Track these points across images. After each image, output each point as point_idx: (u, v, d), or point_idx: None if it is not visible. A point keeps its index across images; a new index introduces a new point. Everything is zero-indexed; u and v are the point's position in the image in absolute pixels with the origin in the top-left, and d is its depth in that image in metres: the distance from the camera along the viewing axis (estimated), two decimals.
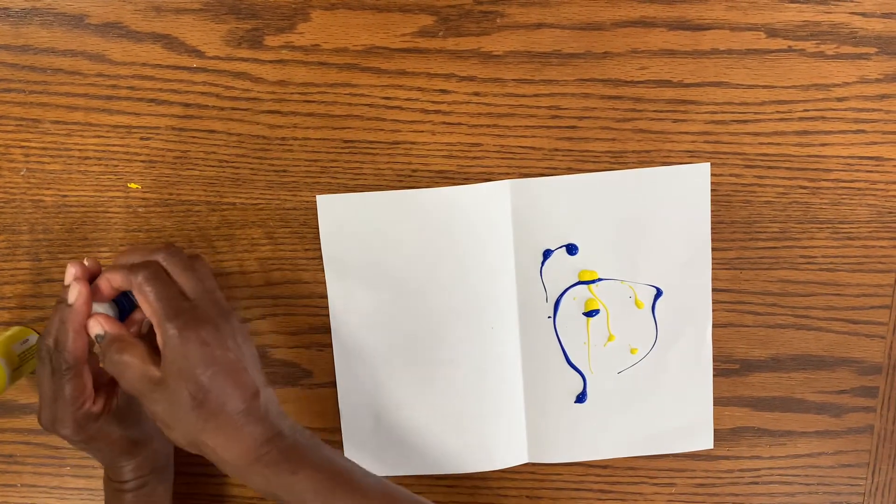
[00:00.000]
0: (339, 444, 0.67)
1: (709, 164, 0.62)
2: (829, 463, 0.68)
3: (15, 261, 0.64)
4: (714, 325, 0.65)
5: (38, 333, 0.65)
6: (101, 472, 0.67)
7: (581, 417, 0.65)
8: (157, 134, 0.62)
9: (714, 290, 0.65)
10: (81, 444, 0.57)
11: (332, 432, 0.67)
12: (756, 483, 0.68)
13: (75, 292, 0.53)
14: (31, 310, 0.65)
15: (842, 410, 0.67)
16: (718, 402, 0.67)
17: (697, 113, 0.62)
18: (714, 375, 0.66)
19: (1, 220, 0.64)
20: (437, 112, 0.62)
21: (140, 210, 0.63)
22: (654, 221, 0.62)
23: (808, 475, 0.68)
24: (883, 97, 0.61)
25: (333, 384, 0.66)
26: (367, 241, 0.63)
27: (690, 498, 0.68)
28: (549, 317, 0.63)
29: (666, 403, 0.65)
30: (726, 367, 0.66)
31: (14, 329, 0.64)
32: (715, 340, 0.65)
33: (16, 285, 0.65)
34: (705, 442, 0.65)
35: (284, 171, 0.63)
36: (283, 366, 0.66)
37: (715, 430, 0.67)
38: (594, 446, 0.66)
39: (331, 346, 0.65)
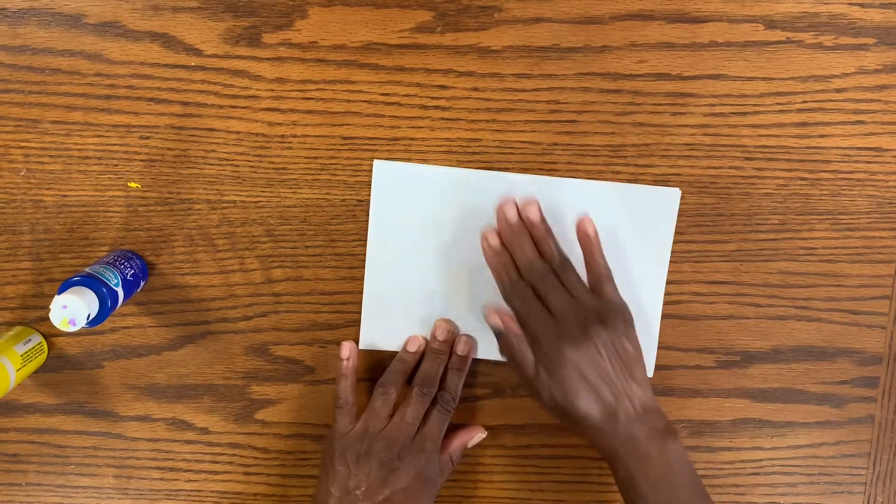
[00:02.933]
0: None
1: (679, 190, 0.62)
2: (831, 453, 0.68)
3: (16, 261, 0.64)
4: (715, 318, 0.65)
5: (41, 333, 0.65)
6: (105, 469, 0.68)
7: None
8: (157, 133, 0.62)
9: (714, 282, 0.65)
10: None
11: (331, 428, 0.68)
12: (757, 474, 0.68)
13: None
14: (32, 310, 0.65)
15: (843, 401, 0.67)
16: (719, 393, 0.67)
17: (696, 106, 0.62)
18: (715, 367, 0.66)
19: (2, 221, 0.64)
20: (435, 108, 0.62)
21: (140, 209, 0.64)
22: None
23: (809, 466, 0.68)
24: (882, 88, 0.61)
25: (335, 380, 0.66)
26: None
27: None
28: None
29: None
30: (727, 359, 0.66)
31: (17, 329, 0.64)
32: (715, 332, 0.66)
33: (18, 285, 0.65)
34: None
35: (284, 168, 0.63)
36: (285, 362, 0.66)
37: (716, 421, 0.67)
38: None
39: (333, 342, 0.66)
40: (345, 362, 0.64)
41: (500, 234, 0.62)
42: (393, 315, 0.65)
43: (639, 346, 0.59)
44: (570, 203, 0.63)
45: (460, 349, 0.64)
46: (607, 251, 0.62)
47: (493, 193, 0.63)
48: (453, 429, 0.65)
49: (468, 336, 0.65)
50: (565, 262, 0.60)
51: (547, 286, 0.59)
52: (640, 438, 0.55)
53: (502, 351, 0.61)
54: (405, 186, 0.63)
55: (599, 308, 0.58)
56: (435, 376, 0.63)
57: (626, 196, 0.63)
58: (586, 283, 0.60)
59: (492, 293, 0.62)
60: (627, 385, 0.57)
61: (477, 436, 0.66)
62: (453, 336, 0.65)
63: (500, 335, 0.61)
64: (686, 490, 0.55)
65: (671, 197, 0.63)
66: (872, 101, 0.61)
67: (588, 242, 0.62)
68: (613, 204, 0.63)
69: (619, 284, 0.61)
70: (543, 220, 0.62)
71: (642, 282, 0.64)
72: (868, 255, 0.64)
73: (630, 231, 0.63)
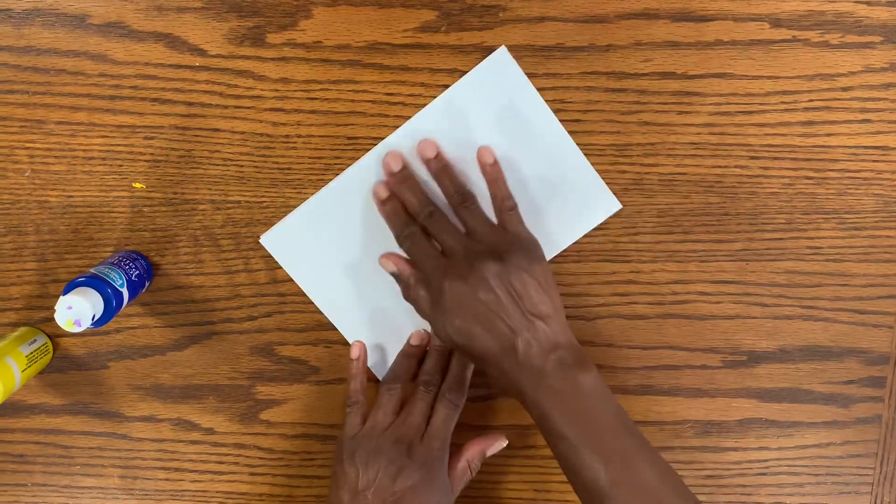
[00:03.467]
0: None
1: (503, 46, 0.60)
2: (838, 453, 0.68)
3: (21, 262, 0.64)
4: (721, 317, 0.65)
5: (46, 334, 0.65)
6: (111, 470, 0.68)
7: None
8: (161, 133, 0.62)
9: (720, 281, 0.64)
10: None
11: (338, 428, 0.67)
12: (764, 474, 0.68)
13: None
14: (38, 310, 0.65)
15: (849, 401, 0.67)
16: (726, 393, 0.66)
17: (702, 105, 0.61)
18: (721, 367, 0.66)
19: (7, 222, 0.64)
20: None
21: (145, 209, 0.64)
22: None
23: (816, 466, 0.68)
24: (888, 86, 0.61)
25: (341, 381, 0.67)
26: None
27: (698, 490, 0.68)
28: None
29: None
30: (733, 358, 0.66)
31: (22, 330, 0.64)
32: (722, 332, 0.65)
33: (23, 286, 0.65)
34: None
35: (289, 168, 0.63)
36: (290, 363, 0.66)
37: (722, 421, 0.67)
38: None
39: (338, 342, 0.66)
40: (355, 362, 0.64)
41: (386, 185, 0.62)
42: (377, 328, 0.65)
43: (546, 279, 0.56)
44: (433, 134, 0.62)
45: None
46: (492, 145, 0.61)
47: (372, 177, 0.63)
48: (473, 434, 0.65)
49: None
50: (465, 195, 0.60)
51: (436, 226, 0.59)
52: (547, 374, 0.53)
53: (403, 294, 0.60)
54: (301, 235, 0.63)
55: (497, 242, 0.57)
56: (437, 371, 0.63)
57: (469, 90, 0.61)
58: (490, 217, 0.60)
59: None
60: (526, 319, 0.55)
61: (497, 444, 0.64)
62: None
63: (398, 279, 0.61)
64: (607, 424, 0.53)
65: (501, 57, 0.60)
66: (879, 99, 0.61)
67: (488, 172, 0.61)
68: (466, 103, 0.61)
69: (526, 158, 0.61)
70: (439, 155, 0.61)
71: (543, 140, 0.62)
72: (875, 255, 0.64)
73: (497, 112, 0.62)
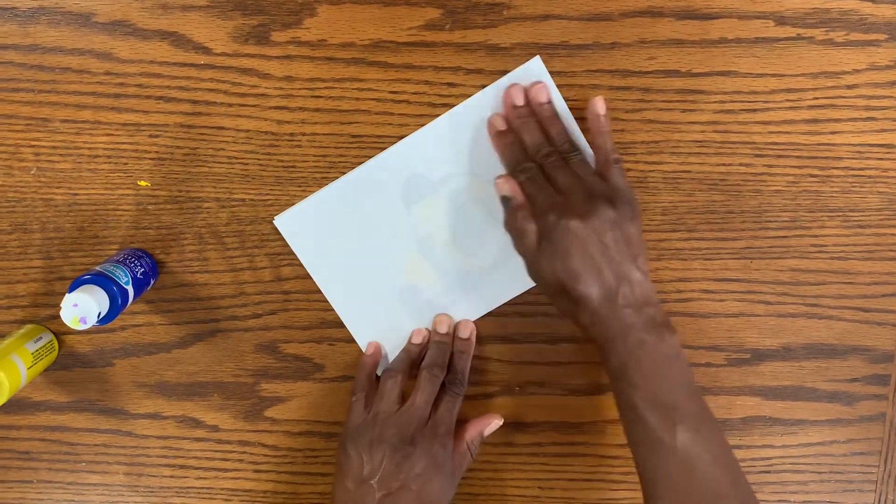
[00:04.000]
0: None
1: (538, 56, 0.60)
2: (841, 451, 0.68)
3: (27, 259, 0.65)
4: (725, 315, 0.65)
5: (51, 331, 0.65)
6: (116, 467, 0.68)
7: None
8: (166, 131, 0.62)
9: (724, 279, 0.64)
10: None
11: (342, 425, 0.68)
12: (768, 472, 0.68)
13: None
14: (43, 308, 0.66)
15: (853, 399, 0.67)
16: (730, 391, 0.67)
17: (706, 103, 0.61)
18: (725, 365, 0.66)
19: (13, 219, 0.64)
20: (444, 105, 0.62)
21: (150, 207, 0.64)
22: None
23: (819, 464, 0.68)
24: (893, 84, 0.61)
25: (345, 378, 0.67)
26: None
27: None
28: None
29: None
30: (737, 356, 0.66)
31: (28, 327, 0.65)
32: (726, 330, 0.65)
33: (28, 283, 0.65)
34: None
35: (293, 166, 0.63)
36: (294, 360, 0.66)
37: (726, 419, 0.67)
38: None
39: (342, 340, 0.66)
40: (367, 357, 0.65)
41: (506, 119, 0.61)
42: (380, 324, 0.66)
43: (643, 238, 0.57)
44: (457, 135, 0.62)
45: (462, 333, 0.65)
46: None
47: (392, 172, 0.63)
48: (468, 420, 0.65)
49: (466, 320, 0.65)
50: (573, 145, 0.60)
51: (553, 165, 0.58)
52: (637, 327, 0.54)
53: (507, 223, 0.59)
54: (315, 221, 0.63)
55: (607, 190, 0.57)
56: (441, 360, 0.63)
57: (498, 95, 0.61)
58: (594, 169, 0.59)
59: (451, 258, 0.64)
60: (630, 270, 0.55)
61: (493, 423, 0.65)
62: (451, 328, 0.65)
63: (507, 204, 0.59)
64: (678, 385, 0.54)
65: (535, 67, 0.61)
66: (884, 97, 0.61)
67: (596, 122, 0.60)
68: (494, 108, 0.61)
69: None
70: (550, 101, 0.61)
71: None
72: (879, 253, 0.64)
73: None
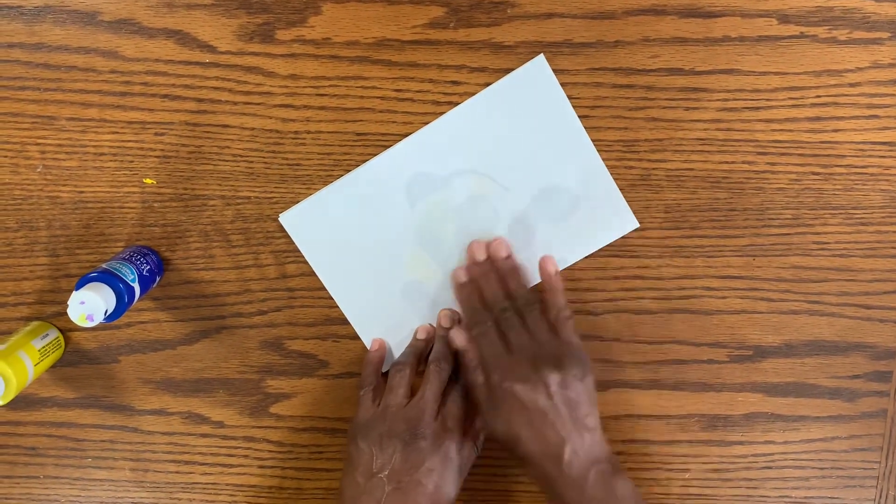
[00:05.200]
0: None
1: (542, 54, 0.61)
2: (843, 447, 0.68)
3: (33, 257, 0.65)
4: (727, 312, 0.65)
5: (58, 328, 0.66)
6: (122, 463, 0.69)
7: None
8: (171, 129, 0.63)
9: (727, 277, 0.65)
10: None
11: (347, 421, 0.68)
12: (770, 468, 0.68)
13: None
14: (49, 305, 0.66)
15: (855, 395, 0.67)
16: (732, 388, 0.67)
17: (709, 101, 0.62)
18: (727, 362, 0.66)
19: (19, 217, 0.64)
20: (448, 104, 0.62)
21: (156, 205, 0.64)
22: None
23: (821, 460, 0.68)
24: None
25: (350, 374, 0.67)
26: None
27: (704, 483, 0.69)
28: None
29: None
30: (739, 353, 0.66)
31: (34, 324, 0.65)
32: (728, 327, 0.66)
33: (35, 281, 0.65)
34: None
35: (298, 164, 0.63)
36: (299, 357, 0.67)
37: (728, 415, 0.67)
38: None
39: (346, 337, 0.66)
40: (373, 352, 0.65)
41: (468, 271, 0.63)
42: (385, 321, 0.66)
43: (593, 392, 0.59)
44: (462, 133, 0.62)
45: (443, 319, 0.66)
46: (520, 153, 0.62)
47: (396, 170, 0.63)
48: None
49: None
50: (530, 300, 0.61)
51: (507, 322, 0.60)
52: (589, 484, 0.55)
53: (461, 374, 0.62)
54: (320, 218, 0.64)
55: (557, 350, 0.59)
56: (446, 354, 0.63)
57: (503, 93, 0.62)
58: (547, 324, 0.61)
59: (455, 255, 0.65)
60: (576, 431, 0.56)
61: None
62: (457, 322, 0.66)
63: (461, 356, 0.62)
64: None
65: (539, 65, 0.61)
66: (886, 95, 0.61)
67: (548, 280, 0.63)
68: (499, 107, 0.62)
69: (551, 169, 0.62)
70: (510, 256, 0.63)
71: (570, 152, 0.63)
72: (881, 250, 0.64)
73: (529, 119, 0.62)
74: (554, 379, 0.57)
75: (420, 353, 0.65)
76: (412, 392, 0.62)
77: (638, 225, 0.64)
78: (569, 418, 0.56)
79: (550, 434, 0.56)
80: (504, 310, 0.61)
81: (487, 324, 0.60)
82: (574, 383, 0.57)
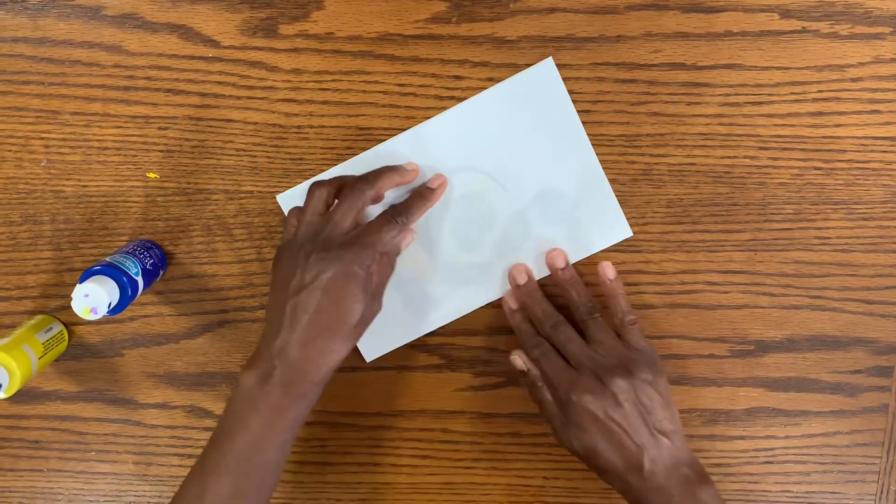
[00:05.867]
0: (361, 427, 0.69)
1: (551, 58, 0.61)
2: (844, 442, 0.68)
3: (37, 251, 0.65)
4: (729, 307, 0.66)
5: (62, 322, 0.66)
6: (125, 456, 0.69)
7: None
8: (175, 124, 0.63)
9: (729, 271, 0.65)
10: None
11: (351, 416, 0.68)
12: (771, 462, 0.69)
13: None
14: (53, 299, 0.66)
15: (857, 390, 0.67)
16: (734, 382, 0.67)
17: (711, 95, 0.62)
18: (729, 356, 0.66)
19: (23, 211, 0.65)
20: (451, 98, 0.62)
21: (159, 199, 0.64)
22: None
23: (822, 454, 0.68)
24: None
25: (352, 369, 0.67)
26: None
27: None
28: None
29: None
30: (741, 348, 0.66)
31: (38, 318, 0.65)
32: (730, 322, 0.66)
33: (38, 275, 0.66)
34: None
35: (301, 158, 0.63)
36: None
37: (730, 410, 0.67)
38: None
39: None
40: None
41: (514, 297, 0.64)
42: (390, 318, 0.65)
43: (668, 394, 0.58)
44: (465, 130, 0.62)
45: (433, 182, 0.62)
46: (522, 154, 0.63)
47: (395, 161, 0.62)
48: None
49: (443, 176, 0.63)
50: (593, 307, 0.62)
51: (562, 337, 0.60)
52: (672, 491, 0.55)
53: (530, 394, 0.61)
54: None
55: (623, 356, 0.58)
56: (373, 178, 0.59)
57: (509, 93, 0.62)
58: (612, 331, 0.61)
59: (449, 250, 0.64)
60: (653, 436, 0.56)
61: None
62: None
63: (524, 378, 0.61)
64: None
65: (547, 68, 0.61)
66: (888, 90, 0.61)
67: (607, 285, 0.63)
68: (503, 106, 0.62)
69: (551, 172, 0.62)
70: (567, 266, 0.64)
71: (571, 157, 0.63)
72: (883, 245, 0.64)
73: (532, 121, 0.62)
74: (622, 386, 0.56)
75: (345, 180, 0.60)
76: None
77: (631, 234, 0.64)
78: (643, 425, 0.56)
79: (627, 443, 0.56)
80: (556, 325, 0.61)
81: (545, 345, 0.60)
82: (644, 388, 0.57)
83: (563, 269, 0.63)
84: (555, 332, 0.61)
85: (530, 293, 0.63)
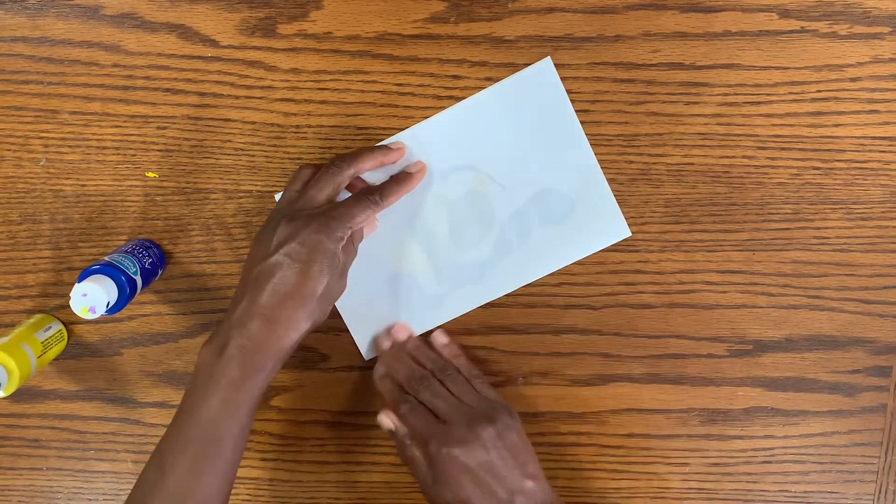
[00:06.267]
0: (361, 426, 0.69)
1: (549, 57, 0.61)
2: (843, 442, 0.68)
3: (37, 250, 0.65)
4: (727, 307, 0.66)
5: (61, 321, 0.66)
6: (124, 455, 0.69)
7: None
8: (174, 123, 0.63)
9: (727, 271, 0.65)
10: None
11: (350, 415, 0.68)
12: (769, 462, 0.69)
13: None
14: (53, 298, 0.66)
15: (855, 390, 0.67)
16: (732, 382, 0.67)
17: (710, 95, 0.62)
18: (727, 356, 0.66)
19: (22, 210, 0.65)
20: (449, 98, 0.62)
21: (158, 198, 0.64)
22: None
23: (821, 454, 0.68)
24: None
25: (350, 368, 0.67)
26: None
27: (704, 477, 0.69)
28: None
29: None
30: (739, 347, 0.66)
31: (37, 317, 0.65)
32: (728, 321, 0.66)
33: (38, 274, 0.66)
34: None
35: (299, 158, 0.63)
36: (300, 350, 0.67)
37: (728, 410, 0.67)
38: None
39: (347, 330, 0.66)
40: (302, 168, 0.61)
41: (381, 364, 0.64)
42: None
43: (527, 440, 0.59)
44: (463, 129, 0.63)
45: (412, 167, 0.62)
46: (520, 154, 0.63)
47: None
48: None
49: (422, 163, 0.63)
50: (443, 366, 0.62)
51: (429, 392, 0.60)
52: None
53: (399, 454, 0.61)
54: None
55: (484, 406, 0.59)
56: (351, 158, 0.59)
57: (507, 92, 0.62)
58: (471, 384, 0.62)
59: (447, 249, 0.65)
60: (520, 481, 0.57)
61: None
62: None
63: (394, 436, 0.61)
64: None
65: (545, 68, 0.61)
66: (887, 90, 0.61)
67: (445, 350, 0.65)
68: (502, 105, 0.62)
69: (550, 172, 0.63)
70: (412, 336, 0.65)
71: (569, 156, 0.63)
72: (881, 245, 0.64)
73: (530, 120, 0.62)
74: (489, 433, 0.57)
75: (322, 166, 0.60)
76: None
77: (630, 234, 0.64)
78: (512, 469, 0.57)
79: (498, 490, 0.56)
80: (422, 378, 0.61)
81: (413, 403, 0.60)
82: (507, 433, 0.58)
83: (406, 342, 0.65)
84: (421, 388, 0.61)
85: (395, 355, 0.64)
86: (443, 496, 0.57)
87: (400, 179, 0.61)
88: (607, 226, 0.64)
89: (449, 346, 0.65)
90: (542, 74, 0.61)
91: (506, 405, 0.60)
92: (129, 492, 0.55)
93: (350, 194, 0.60)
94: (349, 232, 0.56)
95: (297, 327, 0.55)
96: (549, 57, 0.61)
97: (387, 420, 0.61)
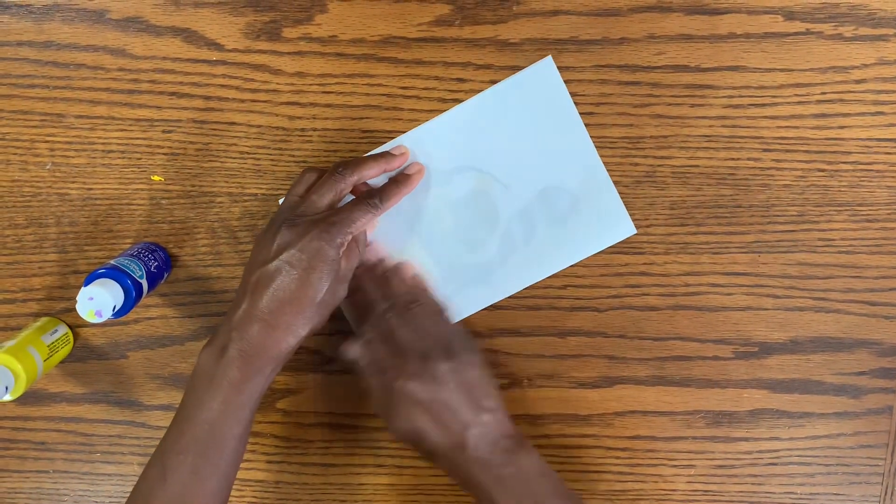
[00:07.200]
0: (365, 429, 0.69)
1: (549, 56, 0.61)
2: (848, 444, 0.68)
3: (43, 253, 0.66)
4: (733, 309, 0.65)
5: (67, 324, 0.66)
6: (130, 458, 0.69)
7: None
8: (179, 127, 0.63)
9: (733, 273, 0.65)
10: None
11: (355, 417, 0.69)
12: (775, 464, 0.68)
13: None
14: (59, 301, 0.66)
15: (860, 392, 0.67)
16: (737, 384, 0.67)
17: (715, 97, 0.62)
18: (733, 358, 0.66)
19: (28, 214, 0.65)
20: (454, 101, 0.62)
21: (163, 202, 0.64)
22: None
23: (826, 456, 0.68)
24: None
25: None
26: None
27: (709, 479, 0.69)
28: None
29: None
30: (745, 349, 0.66)
31: (43, 320, 0.66)
32: (734, 323, 0.66)
33: (44, 277, 0.66)
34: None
35: (304, 161, 0.63)
36: (305, 353, 0.67)
37: (734, 412, 0.67)
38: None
39: (351, 332, 0.66)
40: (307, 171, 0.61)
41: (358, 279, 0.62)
42: None
43: (487, 374, 0.59)
44: (465, 130, 0.63)
45: (410, 169, 0.62)
46: (523, 153, 0.63)
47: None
48: None
49: (420, 164, 0.63)
50: (409, 298, 0.61)
51: (390, 323, 0.60)
52: (495, 463, 0.56)
53: (361, 383, 0.60)
54: None
55: (444, 340, 0.59)
56: (354, 166, 0.59)
57: (509, 92, 0.62)
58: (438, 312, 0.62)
59: (451, 249, 0.65)
60: (475, 415, 0.57)
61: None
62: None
63: (355, 366, 0.60)
64: (552, 496, 0.56)
65: (546, 66, 0.61)
66: (892, 92, 0.61)
67: (415, 282, 0.64)
68: (504, 105, 0.62)
69: (553, 169, 0.63)
70: (383, 259, 0.64)
71: (572, 154, 0.63)
72: (887, 247, 0.64)
73: (533, 119, 0.63)
74: (445, 368, 0.57)
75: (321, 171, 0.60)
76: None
77: (635, 231, 0.64)
78: (467, 403, 0.57)
79: (451, 423, 0.56)
80: (386, 311, 0.61)
81: (373, 331, 0.60)
82: (465, 368, 0.58)
83: (380, 262, 0.64)
84: (383, 318, 0.60)
85: (366, 275, 0.62)
86: (398, 426, 0.57)
87: (399, 181, 0.61)
88: (612, 223, 0.64)
89: (416, 278, 0.65)
90: (543, 73, 0.61)
91: (468, 340, 0.60)
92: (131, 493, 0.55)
93: (352, 197, 0.60)
94: (350, 237, 0.56)
95: (295, 332, 0.55)
96: (549, 56, 0.61)
97: (352, 349, 0.60)
